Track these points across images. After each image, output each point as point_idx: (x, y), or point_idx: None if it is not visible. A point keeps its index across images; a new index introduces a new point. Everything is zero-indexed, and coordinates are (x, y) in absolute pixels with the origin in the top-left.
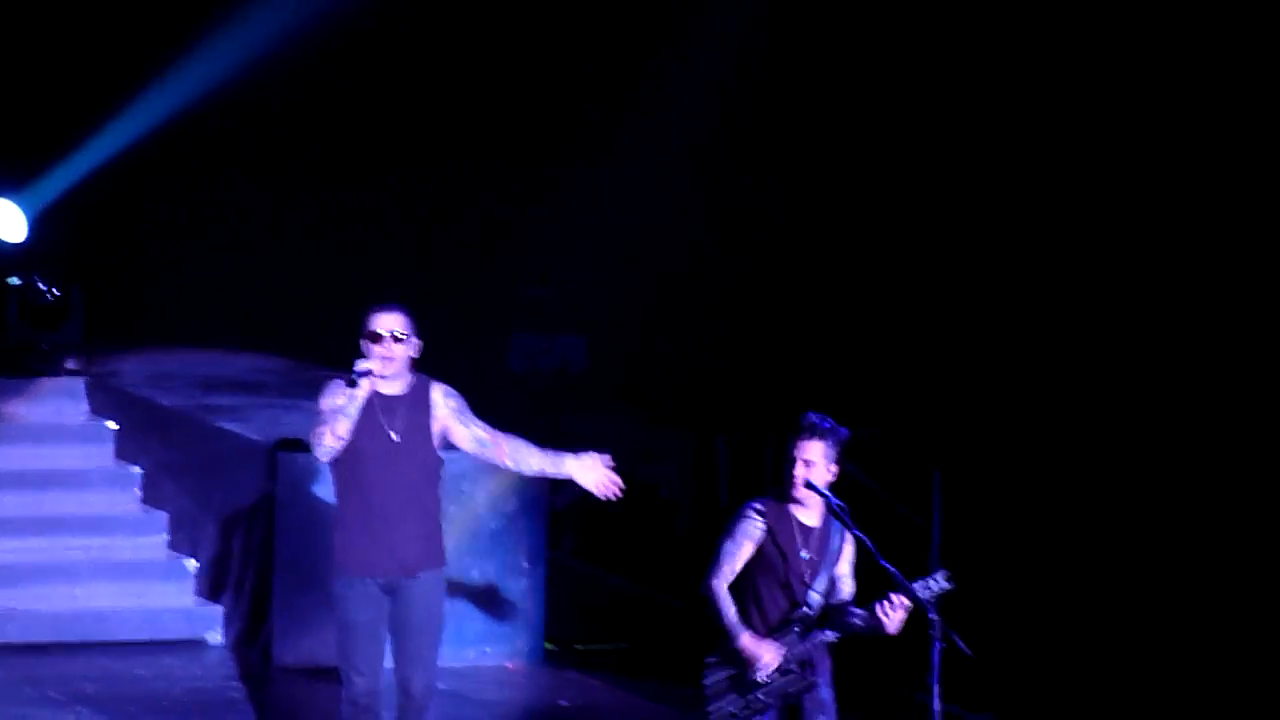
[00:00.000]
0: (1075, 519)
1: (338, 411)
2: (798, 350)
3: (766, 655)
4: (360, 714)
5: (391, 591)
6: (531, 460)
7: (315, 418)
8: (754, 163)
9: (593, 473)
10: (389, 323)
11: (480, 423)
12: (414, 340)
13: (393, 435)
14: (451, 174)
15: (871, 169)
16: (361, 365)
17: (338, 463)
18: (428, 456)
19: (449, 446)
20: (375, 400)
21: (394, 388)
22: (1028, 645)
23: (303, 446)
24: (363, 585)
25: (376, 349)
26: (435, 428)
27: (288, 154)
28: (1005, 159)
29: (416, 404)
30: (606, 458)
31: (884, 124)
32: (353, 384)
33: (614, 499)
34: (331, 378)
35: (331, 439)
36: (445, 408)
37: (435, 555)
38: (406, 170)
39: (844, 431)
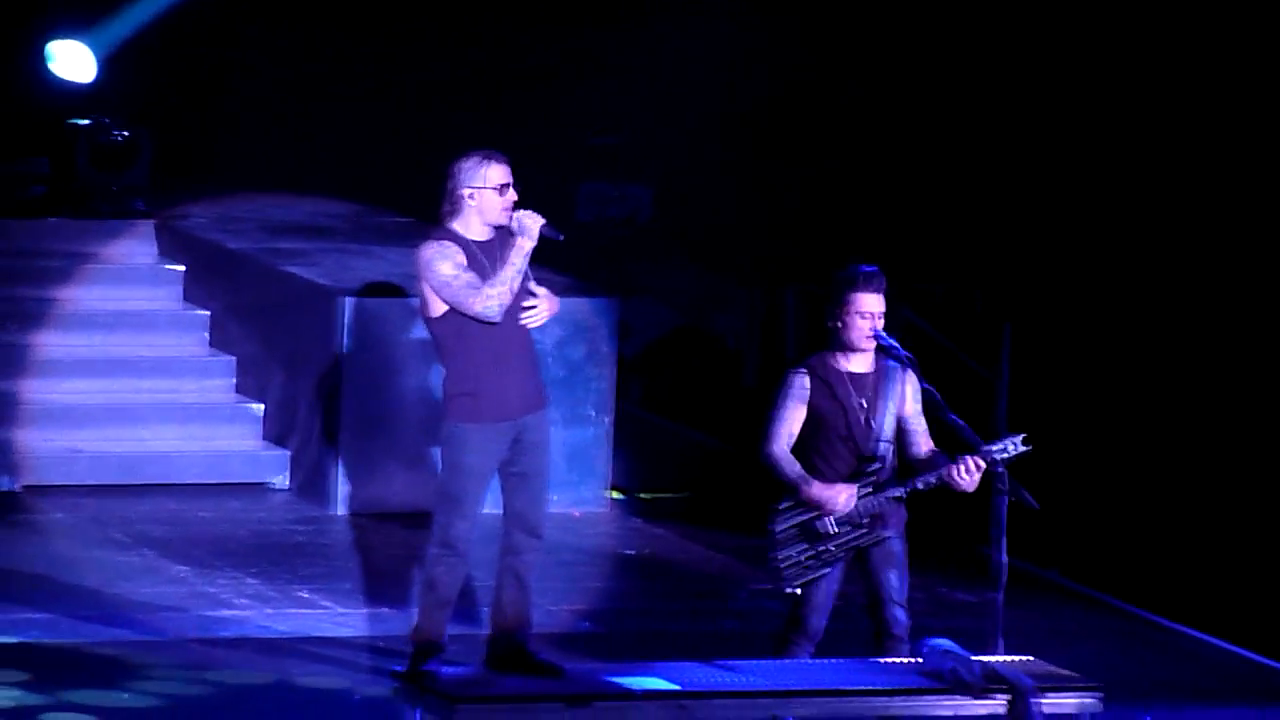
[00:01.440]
0: (1146, 375)
1: (513, 268)
2: (868, 202)
3: (841, 496)
4: (452, 557)
5: (514, 436)
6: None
7: (452, 282)
8: (827, 11)
9: (531, 219)
10: (507, 173)
11: None
12: None
13: None
14: (517, 19)
15: (948, 12)
16: (539, 221)
17: (453, 314)
18: (520, 299)
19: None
20: (478, 248)
21: (489, 233)
22: (1095, 502)
23: (373, 291)
24: (490, 429)
25: (503, 199)
26: None
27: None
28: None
29: (505, 247)
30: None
31: None
32: (556, 239)
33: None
34: (434, 243)
35: (509, 297)
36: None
37: (545, 395)
38: (471, 18)
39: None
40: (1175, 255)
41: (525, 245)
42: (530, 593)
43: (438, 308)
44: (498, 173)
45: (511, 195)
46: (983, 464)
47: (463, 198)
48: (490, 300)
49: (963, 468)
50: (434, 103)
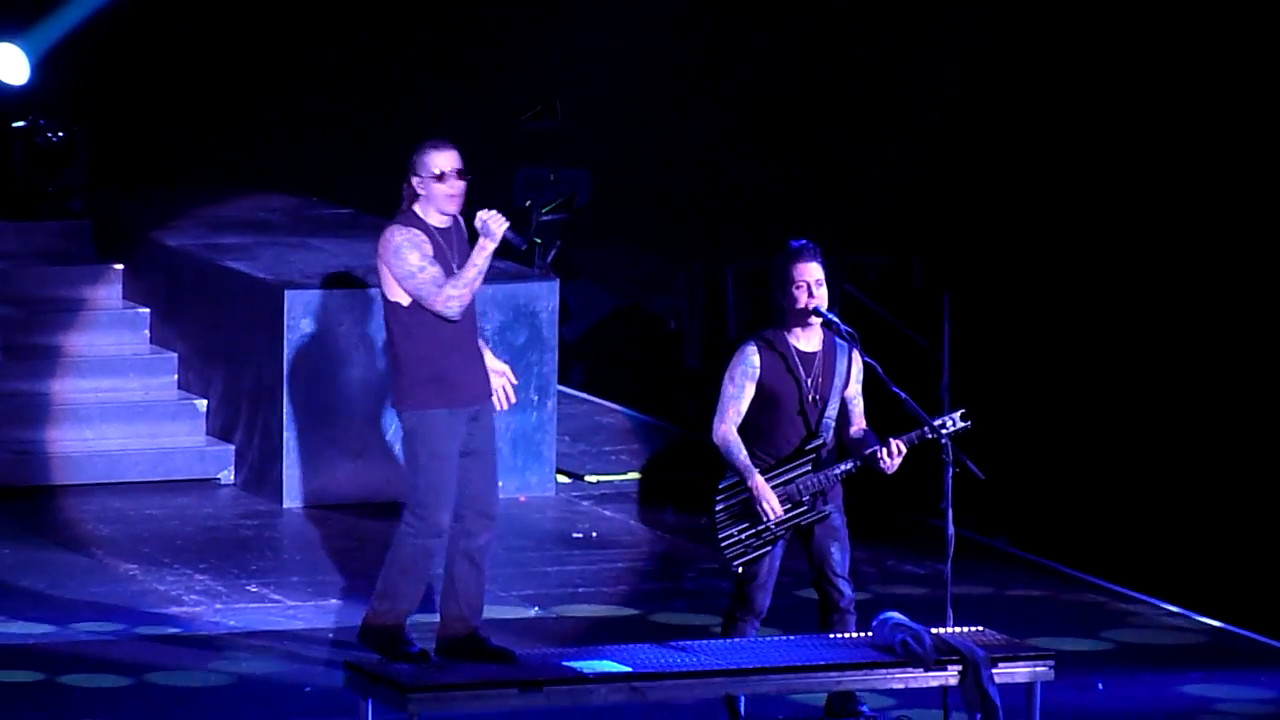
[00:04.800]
0: (1088, 340)
1: (474, 269)
2: (804, 177)
3: (773, 503)
4: (432, 551)
5: (472, 419)
6: None
7: (418, 274)
8: None
9: (495, 222)
10: (457, 159)
11: None
12: None
13: (455, 268)
14: (449, 4)
15: None
16: (503, 225)
17: (417, 304)
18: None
19: None
20: (438, 234)
21: (447, 221)
22: (1040, 468)
23: (313, 284)
24: (456, 416)
25: (447, 185)
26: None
27: None
28: None
29: (460, 233)
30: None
31: None
32: (519, 243)
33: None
34: (401, 228)
35: (470, 298)
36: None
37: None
38: (402, 6)
39: None
40: (1111, 219)
41: (489, 246)
42: (484, 577)
43: (402, 294)
44: (444, 159)
45: (458, 182)
46: (904, 448)
47: (414, 187)
48: (452, 300)
49: (886, 450)
50: (368, 94)
